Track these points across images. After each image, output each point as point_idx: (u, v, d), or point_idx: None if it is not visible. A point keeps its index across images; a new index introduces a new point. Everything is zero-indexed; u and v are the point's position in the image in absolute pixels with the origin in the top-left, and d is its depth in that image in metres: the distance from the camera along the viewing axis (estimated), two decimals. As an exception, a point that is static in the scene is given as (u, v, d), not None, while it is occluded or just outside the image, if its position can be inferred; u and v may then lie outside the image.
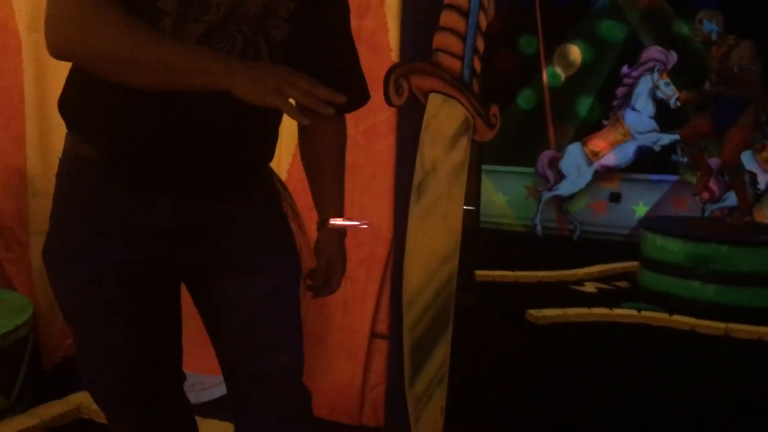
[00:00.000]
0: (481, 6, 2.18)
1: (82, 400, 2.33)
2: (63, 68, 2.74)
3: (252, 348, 1.24)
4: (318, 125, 1.29)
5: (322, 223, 1.37)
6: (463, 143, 2.03)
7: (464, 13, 2.05)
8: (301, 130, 1.37)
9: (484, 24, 2.18)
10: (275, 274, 1.25)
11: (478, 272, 4.58)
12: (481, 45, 2.13)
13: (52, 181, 2.74)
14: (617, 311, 3.91)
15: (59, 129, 2.64)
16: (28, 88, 2.61)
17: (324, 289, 1.38)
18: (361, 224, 1.38)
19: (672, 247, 4.32)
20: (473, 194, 4.37)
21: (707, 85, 4.69)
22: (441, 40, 1.87)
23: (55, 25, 1.03)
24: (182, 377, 1.33)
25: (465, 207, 2.15)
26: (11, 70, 2.65)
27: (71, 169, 1.18)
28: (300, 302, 1.32)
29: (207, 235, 1.19)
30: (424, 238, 1.96)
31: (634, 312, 3.90)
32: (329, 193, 1.38)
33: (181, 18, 1.08)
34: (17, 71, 2.64)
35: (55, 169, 2.65)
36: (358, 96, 1.34)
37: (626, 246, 5.85)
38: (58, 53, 1.03)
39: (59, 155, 2.65)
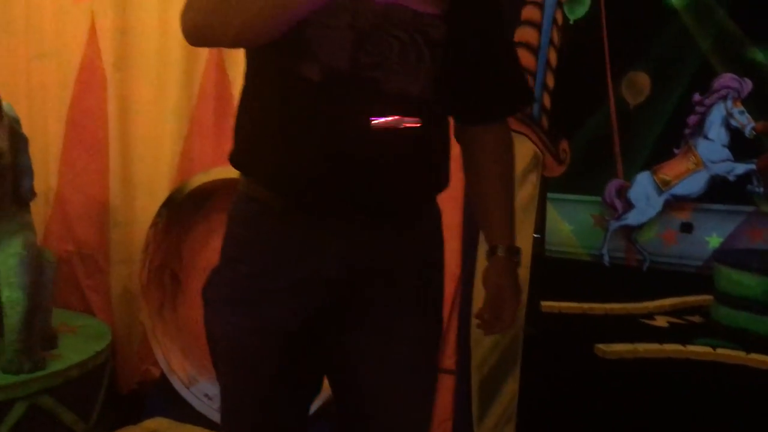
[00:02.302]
0: (551, 43, 2.20)
1: (156, 425, 2.40)
2: (145, 104, 2.88)
3: (384, 418, 1.21)
4: (479, 134, 1.25)
5: (491, 251, 1.27)
6: (533, 179, 2.04)
7: (534, 51, 2.07)
8: (462, 141, 1.30)
9: (553, 61, 2.19)
10: (422, 338, 1.21)
11: (544, 303, 4.52)
12: (550, 81, 2.14)
13: (133, 211, 2.88)
14: (690, 348, 3.79)
15: (141, 162, 2.79)
16: (112, 123, 2.75)
17: (495, 324, 1.28)
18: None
19: (748, 282, 4.18)
20: (539, 223, 4.33)
21: (784, 115, 4.54)
22: (512, 78, 1.89)
23: (185, 12, 1.06)
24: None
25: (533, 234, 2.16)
26: (96, 106, 2.79)
27: (246, 212, 1.19)
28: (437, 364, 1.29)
29: (368, 289, 1.17)
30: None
31: (708, 349, 3.78)
32: (496, 214, 1.27)
33: (329, 27, 1.07)
34: (102, 107, 2.77)
35: (136, 200, 2.77)
36: (521, 96, 1.28)
37: (698, 278, 5.68)
38: (188, 32, 1.06)
39: (140, 187, 2.76)
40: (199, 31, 1.04)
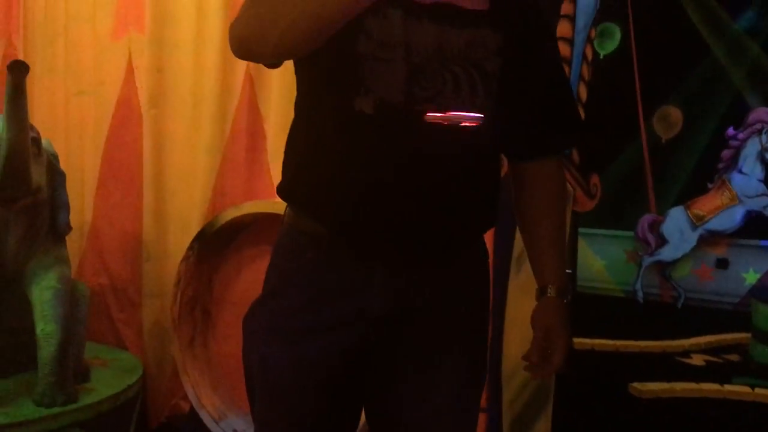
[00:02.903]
0: (581, 78, 2.20)
1: (185, 460, 2.39)
2: (179, 140, 2.92)
3: None
4: (533, 170, 1.24)
5: (541, 291, 1.25)
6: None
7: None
8: (514, 178, 1.29)
9: (583, 95, 2.18)
10: (466, 379, 1.20)
11: (576, 340, 4.44)
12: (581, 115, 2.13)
13: (165, 245, 2.92)
14: (728, 387, 3.69)
15: (174, 196, 2.84)
16: (146, 158, 2.80)
17: (544, 367, 1.25)
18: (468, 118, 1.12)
19: (787, 319, 4.07)
20: (570, 258, 4.28)
21: (821, 149, 4.47)
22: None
23: (233, 26, 1.06)
24: None
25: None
26: (132, 141, 2.85)
27: (291, 245, 1.19)
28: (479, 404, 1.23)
29: (412, 327, 1.16)
30: (524, 312, 1.94)
31: (747, 389, 3.67)
32: (548, 253, 1.25)
33: (383, 60, 1.07)
34: (137, 143, 2.83)
35: (168, 234, 2.80)
36: (574, 129, 1.27)
37: (735, 315, 5.54)
38: (234, 45, 1.06)
39: (172, 221, 2.79)
40: (243, 43, 1.04)
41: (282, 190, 1.21)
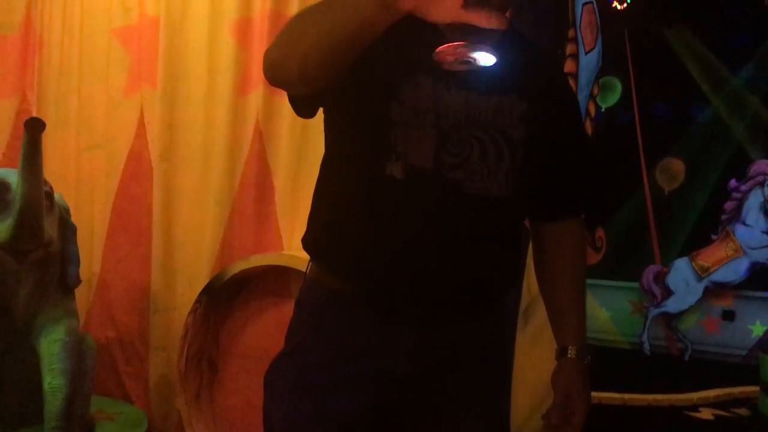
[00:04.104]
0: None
1: None
2: (188, 193, 2.96)
3: None
4: (554, 231, 1.27)
5: (561, 352, 1.25)
6: (571, 269, 2.03)
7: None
8: (536, 238, 1.31)
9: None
10: (489, 424, 1.20)
11: (584, 393, 4.40)
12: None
13: (173, 298, 2.93)
14: (738, 442, 3.64)
15: (182, 249, 2.86)
16: (156, 211, 2.83)
17: (564, 428, 1.24)
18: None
19: (796, 373, 4.04)
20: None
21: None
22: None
23: (266, 53, 1.08)
24: None
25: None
26: (142, 194, 2.89)
27: (315, 301, 1.20)
28: None
29: (434, 384, 1.17)
30: (532, 365, 1.94)
31: (757, 443, 3.62)
32: (569, 314, 1.26)
33: (413, 127, 1.10)
34: (147, 196, 2.87)
35: (176, 286, 2.82)
36: (595, 192, 1.30)
37: (743, 368, 5.50)
38: (265, 72, 1.07)
39: (180, 273, 2.80)
40: (270, 67, 1.05)
41: (308, 246, 1.23)
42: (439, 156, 1.11)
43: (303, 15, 1.02)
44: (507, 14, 1.23)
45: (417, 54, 1.11)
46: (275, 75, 1.06)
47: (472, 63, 0.94)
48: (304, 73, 1.00)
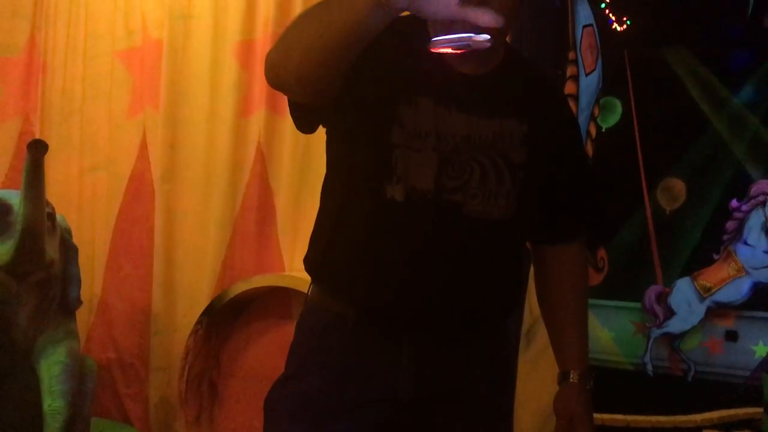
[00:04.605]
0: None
1: None
2: (190, 214, 2.96)
3: None
4: (556, 254, 1.26)
5: (563, 376, 1.24)
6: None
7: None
8: (537, 261, 1.30)
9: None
10: None
11: (586, 415, 4.37)
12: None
13: (174, 319, 2.92)
14: (743, 464, 3.61)
15: (183, 270, 2.86)
16: (157, 232, 2.84)
17: None
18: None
19: (800, 394, 4.01)
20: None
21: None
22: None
23: (267, 55, 1.08)
24: None
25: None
26: (144, 216, 2.89)
27: (316, 324, 1.20)
28: None
29: (436, 408, 1.17)
30: (535, 386, 1.93)
31: (762, 466, 3.58)
32: (571, 338, 1.25)
33: (414, 150, 1.11)
34: (149, 217, 2.88)
35: (177, 307, 2.81)
36: (596, 215, 1.31)
37: (747, 389, 5.46)
38: (266, 74, 1.07)
39: (181, 294, 2.80)
40: (271, 68, 1.06)
41: (310, 267, 1.23)
42: (439, 179, 1.12)
43: (302, 16, 1.03)
44: (507, 38, 1.24)
45: (418, 77, 1.12)
46: (274, 76, 1.06)
47: (468, 44, 0.92)
48: (301, 73, 1.00)
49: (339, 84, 1.05)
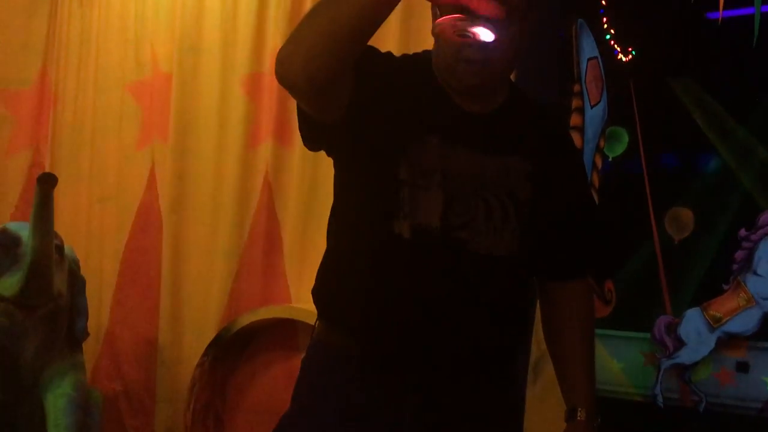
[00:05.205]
0: (591, 185, 2.24)
1: None
2: (197, 245, 2.97)
3: None
4: (561, 290, 1.26)
5: (571, 414, 1.23)
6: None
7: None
8: (542, 297, 1.30)
9: (595, 199, 2.22)
10: None
11: (596, 447, 4.31)
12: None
13: (181, 351, 2.92)
14: (756, 499, 3.54)
15: (190, 301, 2.86)
16: (165, 263, 2.85)
17: None
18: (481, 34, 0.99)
19: (814, 427, 3.95)
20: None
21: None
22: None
23: (278, 52, 1.08)
24: None
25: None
26: (152, 246, 2.91)
27: (322, 360, 1.20)
28: None
29: None
30: (542, 421, 1.91)
31: (775, 500, 3.52)
32: (578, 375, 1.24)
33: (421, 188, 1.12)
34: (156, 248, 2.89)
35: (184, 338, 2.81)
36: (602, 251, 1.32)
37: (760, 421, 5.38)
38: (276, 72, 1.07)
39: (188, 325, 2.80)
40: (279, 66, 1.06)
41: (317, 302, 1.24)
42: (445, 216, 1.12)
43: (311, 10, 1.05)
44: (512, 76, 1.26)
45: (425, 115, 1.14)
46: (283, 72, 1.07)
47: (470, 37, 0.96)
48: (309, 65, 1.01)
49: (344, 89, 1.06)
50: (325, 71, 1.02)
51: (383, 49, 1.21)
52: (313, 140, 1.18)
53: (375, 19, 0.97)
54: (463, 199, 1.13)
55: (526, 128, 1.20)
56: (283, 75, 1.06)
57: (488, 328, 1.16)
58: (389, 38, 2.52)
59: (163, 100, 2.94)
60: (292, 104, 2.71)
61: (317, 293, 1.24)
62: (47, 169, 3.08)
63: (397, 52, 1.24)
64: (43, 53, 3.23)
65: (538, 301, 1.39)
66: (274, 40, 2.77)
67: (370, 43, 1.07)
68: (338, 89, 1.07)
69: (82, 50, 3.12)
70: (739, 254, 6.03)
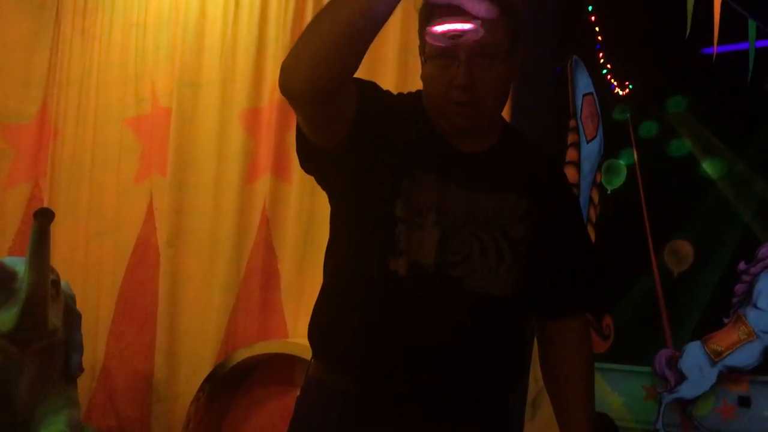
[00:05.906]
0: (588, 220, 2.24)
1: None
2: (194, 279, 2.96)
3: None
4: (558, 329, 1.26)
5: None
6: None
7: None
8: (540, 336, 1.30)
9: (592, 237, 2.22)
10: None
11: (598, 484, 4.25)
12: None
13: (176, 385, 2.89)
14: None
15: (186, 335, 2.84)
16: (162, 297, 2.84)
17: None
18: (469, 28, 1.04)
19: (817, 463, 3.90)
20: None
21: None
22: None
23: (282, 67, 1.09)
24: None
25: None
26: (148, 281, 2.90)
27: (317, 399, 1.19)
28: None
29: None
30: (541, 459, 1.89)
31: None
32: (576, 413, 1.23)
33: (416, 225, 1.12)
34: (153, 282, 2.88)
35: (180, 374, 2.78)
36: (599, 289, 1.30)
37: (763, 457, 5.31)
38: (279, 83, 1.08)
39: (184, 360, 2.76)
40: (283, 75, 1.06)
41: (312, 341, 1.23)
42: (440, 254, 1.12)
43: (312, 20, 1.07)
44: (508, 111, 1.27)
45: (421, 153, 1.15)
46: (286, 81, 1.07)
47: (460, 36, 1.01)
48: (312, 72, 1.02)
49: (345, 104, 1.07)
50: (328, 77, 1.03)
51: (380, 85, 1.22)
52: (308, 161, 1.17)
53: (375, 20, 0.99)
54: (458, 237, 1.13)
55: (521, 166, 1.20)
56: (286, 83, 1.07)
57: (483, 367, 1.15)
58: (387, 75, 2.54)
59: (162, 134, 2.96)
60: (291, 139, 2.73)
61: (311, 331, 1.23)
62: (46, 203, 3.09)
63: (394, 89, 1.25)
64: (44, 88, 3.26)
65: (535, 337, 1.38)
66: (273, 75, 2.80)
67: (371, 78, 1.08)
68: (339, 103, 1.08)
69: (82, 85, 3.15)
70: (739, 287, 6.02)
